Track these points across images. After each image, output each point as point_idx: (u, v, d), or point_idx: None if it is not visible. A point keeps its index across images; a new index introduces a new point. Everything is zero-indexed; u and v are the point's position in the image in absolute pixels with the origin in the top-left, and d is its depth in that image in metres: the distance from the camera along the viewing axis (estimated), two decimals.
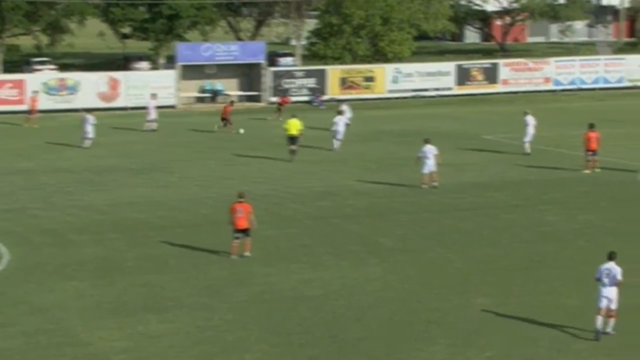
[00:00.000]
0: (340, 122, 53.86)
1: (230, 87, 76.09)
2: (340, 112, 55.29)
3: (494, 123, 64.25)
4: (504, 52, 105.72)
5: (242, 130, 58.97)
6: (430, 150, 43.37)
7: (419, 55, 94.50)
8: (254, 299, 27.93)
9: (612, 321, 24.88)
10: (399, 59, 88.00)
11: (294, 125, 51.05)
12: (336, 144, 53.26)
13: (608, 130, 51.76)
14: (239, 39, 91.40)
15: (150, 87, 69.85)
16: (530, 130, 51.94)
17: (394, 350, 23.62)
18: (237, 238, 31.99)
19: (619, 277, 25.05)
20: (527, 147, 51.60)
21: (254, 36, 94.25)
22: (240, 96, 75.28)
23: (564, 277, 29.63)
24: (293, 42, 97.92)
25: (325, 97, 76.09)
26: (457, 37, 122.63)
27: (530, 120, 52.29)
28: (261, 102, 74.97)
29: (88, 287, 29.13)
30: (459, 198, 41.34)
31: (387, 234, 35.20)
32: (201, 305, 27.44)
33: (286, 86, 76.71)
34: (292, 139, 50.75)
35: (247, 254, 32.09)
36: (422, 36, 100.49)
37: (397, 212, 39.03)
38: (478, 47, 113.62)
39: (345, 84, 78.54)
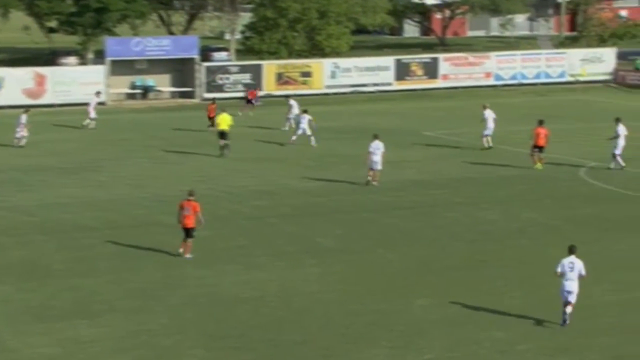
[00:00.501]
0: (304, 119, 54.49)
1: (162, 83, 75.71)
2: (305, 111, 55.59)
3: (435, 119, 64.63)
4: (444, 46, 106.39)
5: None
6: (378, 146, 43.61)
7: (357, 49, 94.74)
8: (189, 302, 27.84)
9: (570, 308, 25.54)
10: (336, 53, 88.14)
11: (225, 120, 51.18)
12: (294, 137, 54.28)
13: (550, 126, 52.19)
14: (171, 33, 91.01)
15: (78, 83, 69.33)
16: (490, 124, 52.53)
17: (333, 354, 23.68)
18: (185, 236, 32.16)
19: (584, 272, 25.66)
20: (486, 141, 52.18)
21: (186, 30, 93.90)
22: (173, 92, 74.96)
23: (507, 276, 29.90)
24: (227, 37, 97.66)
25: (261, 93, 75.96)
26: (396, 31, 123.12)
27: (490, 114, 52.93)
28: (195, 98, 74.66)
29: (14, 291, 28.83)
30: (400, 196, 41.54)
31: (325, 234, 35.26)
32: (134, 309, 27.29)
33: (220, 82, 76.53)
34: (223, 134, 50.93)
35: (187, 255, 32.05)
36: (360, 30, 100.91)
37: (336, 211, 39.12)
38: (418, 42, 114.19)
39: (282, 79, 78.53)
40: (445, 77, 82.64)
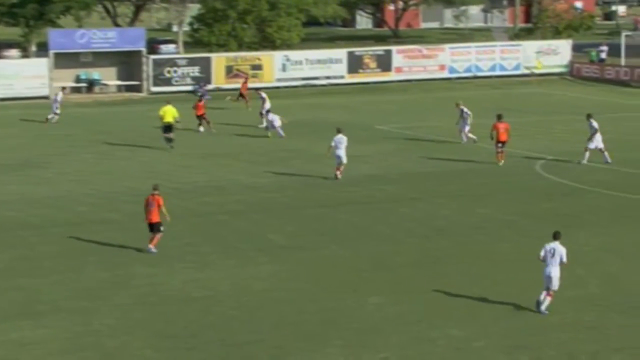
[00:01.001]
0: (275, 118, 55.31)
1: (108, 76, 75.32)
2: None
3: (388, 113, 64.79)
4: (397, 38, 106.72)
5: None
6: (341, 140, 43.74)
7: (308, 42, 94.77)
8: (137, 302, 27.73)
9: (548, 300, 26.11)
10: (287, 46, 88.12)
11: (170, 113, 51.20)
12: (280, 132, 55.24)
13: (508, 119, 52.42)
14: (117, 25, 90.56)
15: (21, 76, 68.80)
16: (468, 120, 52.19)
17: (286, 353, 23.69)
18: (151, 231, 32.32)
19: (565, 258, 26.28)
20: (465, 136, 52.30)
21: (132, 22, 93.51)
22: (119, 86, 74.60)
23: (462, 272, 30.05)
24: (175, 29, 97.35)
25: (210, 87, 75.76)
26: (349, 22, 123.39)
27: (465, 109, 52.46)
28: (142, 92, 74.35)
29: None
30: (353, 192, 41.62)
31: (277, 231, 35.25)
32: (80, 309, 27.13)
33: (168, 75, 76.25)
34: (167, 127, 51.05)
35: (152, 249, 32.18)
36: (311, 22, 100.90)
37: (288, 207, 39.14)
38: (370, 34, 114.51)
39: (232, 72, 78.37)
40: (398, 70, 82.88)
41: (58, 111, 60.37)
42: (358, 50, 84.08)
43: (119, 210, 38.65)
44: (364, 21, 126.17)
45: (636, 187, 41.76)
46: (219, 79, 77.69)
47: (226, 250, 32.79)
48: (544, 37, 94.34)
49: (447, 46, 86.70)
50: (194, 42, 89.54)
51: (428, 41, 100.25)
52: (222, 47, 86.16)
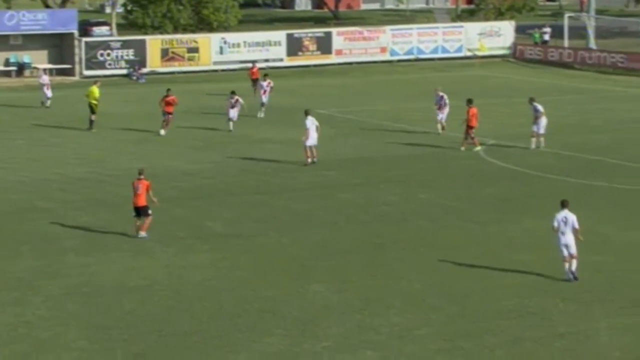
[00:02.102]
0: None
1: (38, 60, 74.66)
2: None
3: (328, 96, 64.89)
4: (337, 20, 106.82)
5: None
6: (313, 121, 43.78)
7: (246, 24, 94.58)
8: (71, 292, 27.62)
9: (575, 262, 27.52)
10: (224, 28, 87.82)
11: (92, 94, 51.94)
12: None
13: (450, 103, 52.74)
14: (47, 7, 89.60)
15: None
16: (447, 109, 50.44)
17: (226, 344, 23.74)
18: (136, 217, 32.38)
19: (577, 225, 27.58)
20: (441, 127, 50.46)
21: (63, 3, 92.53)
22: (50, 69, 73.99)
23: (405, 259, 30.25)
24: (108, 10, 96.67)
25: (145, 70, 75.39)
26: (288, 4, 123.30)
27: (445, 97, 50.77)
28: (74, 75, 73.80)
29: None
30: (292, 178, 41.70)
31: (216, 218, 35.25)
32: (11, 300, 26.97)
33: (101, 58, 75.76)
34: (92, 108, 52.00)
35: (142, 234, 32.29)
36: (249, 3, 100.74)
37: (227, 193, 39.13)
38: (310, 15, 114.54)
39: (167, 55, 78.02)
40: (339, 52, 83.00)
41: (50, 94, 60.39)
42: (297, 32, 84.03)
43: (51, 198, 38.42)
44: (303, 2, 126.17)
45: (579, 171, 42.25)
46: (154, 62, 77.28)
47: (163, 238, 32.72)
48: (486, 19, 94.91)
49: (388, 28, 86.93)
50: (128, 24, 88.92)
51: (369, 23, 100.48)
52: (157, 29, 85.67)
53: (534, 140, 46.55)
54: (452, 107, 50.65)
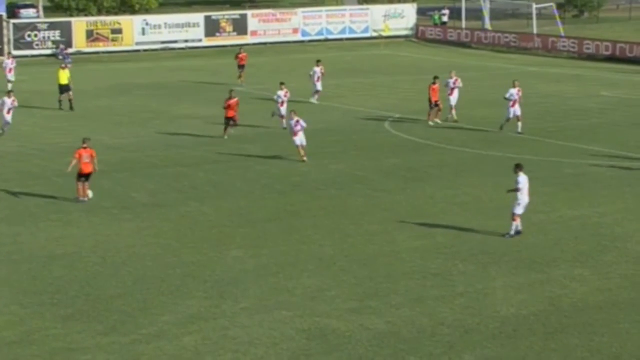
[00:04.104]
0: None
1: None
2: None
3: (245, 75, 64.55)
4: (252, 3, 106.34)
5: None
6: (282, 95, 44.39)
7: (166, 6, 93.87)
8: (2, 260, 27.18)
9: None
10: (146, 10, 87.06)
11: (64, 76, 51.51)
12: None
13: (356, 80, 52.99)
14: None
15: None
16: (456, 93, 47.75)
17: (150, 306, 23.60)
18: (82, 181, 32.92)
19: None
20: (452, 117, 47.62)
21: None
22: None
23: (317, 226, 30.31)
24: None
25: (71, 51, 74.40)
26: None
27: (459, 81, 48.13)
28: (3, 55, 72.45)
29: None
30: (212, 151, 41.49)
31: (139, 189, 34.97)
32: None
33: (29, 39, 74.57)
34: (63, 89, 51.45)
35: (90, 195, 32.93)
36: None
37: (150, 166, 38.83)
38: None
39: (92, 36, 77.11)
40: (254, 33, 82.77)
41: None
42: (215, 14, 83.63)
43: None
44: None
45: (476, 142, 42.64)
46: (79, 43, 76.36)
47: (90, 208, 32.37)
48: (390, 2, 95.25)
49: (299, 10, 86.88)
50: (54, 7, 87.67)
51: (282, 6, 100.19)
52: (82, 11, 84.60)
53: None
54: (357, 84, 50.74)
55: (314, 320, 22.60)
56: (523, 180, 28.66)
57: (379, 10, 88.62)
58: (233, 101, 43.61)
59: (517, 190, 28.64)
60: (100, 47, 76.85)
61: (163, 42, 79.13)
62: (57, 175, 37.15)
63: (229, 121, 43.51)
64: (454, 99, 47.59)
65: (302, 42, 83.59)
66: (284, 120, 44.41)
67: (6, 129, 44.13)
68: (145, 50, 77.83)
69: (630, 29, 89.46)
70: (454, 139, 43.38)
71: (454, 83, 47.69)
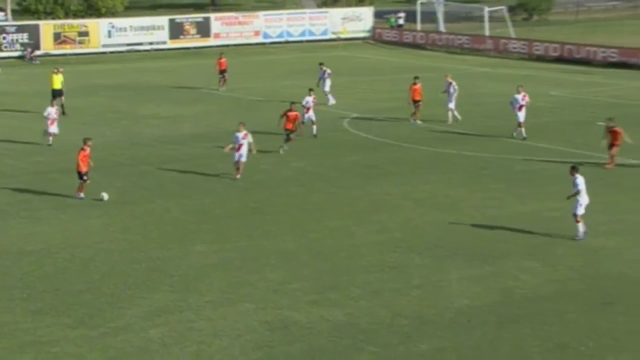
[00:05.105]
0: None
1: None
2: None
3: (208, 76, 64.41)
4: (215, 6, 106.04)
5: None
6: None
7: (132, 10, 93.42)
8: None
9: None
10: (112, 13, 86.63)
11: (57, 80, 50.78)
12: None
13: (315, 82, 52.94)
14: None
15: None
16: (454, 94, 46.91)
17: (117, 300, 23.52)
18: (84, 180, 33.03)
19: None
20: (452, 116, 46.98)
21: None
22: None
23: (279, 222, 30.32)
24: None
25: (39, 52, 73.92)
26: None
27: (454, 83, 46.86)
28: None
29: None
30: (177, 149, 41.39)
31: (107, 187, 34.76)
32: None
33: None
34: (57, 93, 50.35)
35: (80, 194, 32.91)
36: None
37: (117, 164, 38.65)
38: (190, 2, 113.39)
39: (60, 38, 76.62)
40: (217, 35, 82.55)
41: None
42: (179, 17, 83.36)
43: None
44: None
45: (432, 140, 42.80)
46: (47, 45, 75.87)
47: (59, 206, 32.20)
48: (348, 5, 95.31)
49: (261, 13, 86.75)
50: (22, 10, 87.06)
51: (244, 9, 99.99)
52: (50, 14, 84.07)
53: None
54: (317, 84, 50.67)
55: (276, 313, 22.62)
56: (580, 181, 28.09)
57: (337, 13, 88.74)
58: (293, 114, 39.77)
59: (576, 193, 28.08)
60: (68, 49, 76.37)
61: (128, 44, 78.76)
62: (27, 173, 36.92)
63: (289, 133, 39.89)
64: (453, 102, 46.69)
65: (264, 44, 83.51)
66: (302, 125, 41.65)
67: (49, 139, 42.20)
68: (111, 52, 77.44)
69: (577, 31, 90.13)
70: (410, 136, 43.52)
71: (451, 86, 46.83)
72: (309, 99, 43.62)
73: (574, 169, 28.42)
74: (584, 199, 28.07)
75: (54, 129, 42.07)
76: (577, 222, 28.06)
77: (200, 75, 64.38)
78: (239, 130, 35.76)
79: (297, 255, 26.94)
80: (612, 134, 37.18)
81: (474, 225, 29.57)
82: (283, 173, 36.96)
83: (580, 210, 28.02)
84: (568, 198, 28.43)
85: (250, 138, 35.88)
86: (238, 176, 35.62)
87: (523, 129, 42.56)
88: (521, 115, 42.49)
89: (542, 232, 28.82)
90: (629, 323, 21.87)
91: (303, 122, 42.18)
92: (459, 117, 46.87)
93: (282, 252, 27.21)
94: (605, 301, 23.21)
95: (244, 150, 35.73)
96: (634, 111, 50.08)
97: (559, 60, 73.24)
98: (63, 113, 49.81)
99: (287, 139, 39.94)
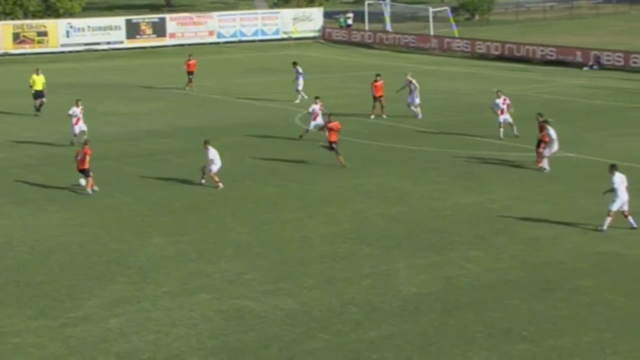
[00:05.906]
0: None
1: None
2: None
3: (164, 74, 64.21)
4: (170, 7, 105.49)
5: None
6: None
7: (89, 10, 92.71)
8: None
9: (630, 218, 28.02)
10: (70, 14, 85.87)
11: (39, 81, 50.10)
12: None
13: (268, 79, 52.92)
14: None
15: None
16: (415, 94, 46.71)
17: (77, 291, 23.33)
18: (85, 176, 32.76)
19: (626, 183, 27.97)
20: (415, 110, 46.98)
21: None
22: None
23: (234, 214, 30.24)
24: None
25: None
26: None
27: (414, 81, 47.13)
28: None
29: None
30: (135, 145, 41.13)
31: (66, 182, 34.48)
32: None
33: None
34: (38, 94, 49.75)
35: (89, 190, 32.34)
36: None
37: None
38: (146, 3, 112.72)
39: (19, 38, 75.82)
40: (172, 35, 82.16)
41: None
42: (135, 18, 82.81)
43: None
44: None
45: (380, 135, 42.89)
46: (6, 45, 75.05)
47: (19, 200, 31.88)
48: (299, 5, 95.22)
49: (215, 14, 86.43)
50: None
51: (198, 9, 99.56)
52: (9, 15, 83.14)
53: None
54: (269, 82, 50.62)
55: (231, 302, 22.56)
56: (617, 180, 27.71)
57: (288, 13, 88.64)
58: (334, 124, 37.12)
59: (612, 190, 27.82)
60: (27, 49, 75.60)
61: (86, 44, 78.15)
62: None
63: (332, 145, 36.82)
64: (416, 98, 46.73)
65: (218, 43, 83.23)
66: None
67: (75, 140, 40.66)
68: (69, 52, 76.78)
69: (517, 30, 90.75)
70: (359, 132, 43.57)
71: (412, 84, 46.81)
72: (315, 107, 41.85)
73: (612, 167, 28.16)
74: (621, 197, 27.83)
75: (78, 128, 40.66)
76: (609, 216, 27.83)
77: (156, 74, 64.02)
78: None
79: (251, 246, 26.89)
80: (540, 129, 37.13)
81: (420, 217, 29.68)
82: (237, 167, 36.84)
83: (614, 207, 27.79)
84: (604, 194, 28.39)
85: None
86: (220, 185, 33.49)
87: (515, 128, 41.73)
88: (504, 117, 41.71)
89: (485, 223, 28.99)
90: (567, 308, 22.07)
91: (307, 130, 41.66)
92: (417, 113, 46.85)
93: (237, 244, 27.14)
94: (545, 288, 23.40)
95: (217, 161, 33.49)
96: (569, 106, 50.57)
97: (500, 58, 73.70)
98: (38, 111, 49.20)
99: (332, 150, 36.79)
